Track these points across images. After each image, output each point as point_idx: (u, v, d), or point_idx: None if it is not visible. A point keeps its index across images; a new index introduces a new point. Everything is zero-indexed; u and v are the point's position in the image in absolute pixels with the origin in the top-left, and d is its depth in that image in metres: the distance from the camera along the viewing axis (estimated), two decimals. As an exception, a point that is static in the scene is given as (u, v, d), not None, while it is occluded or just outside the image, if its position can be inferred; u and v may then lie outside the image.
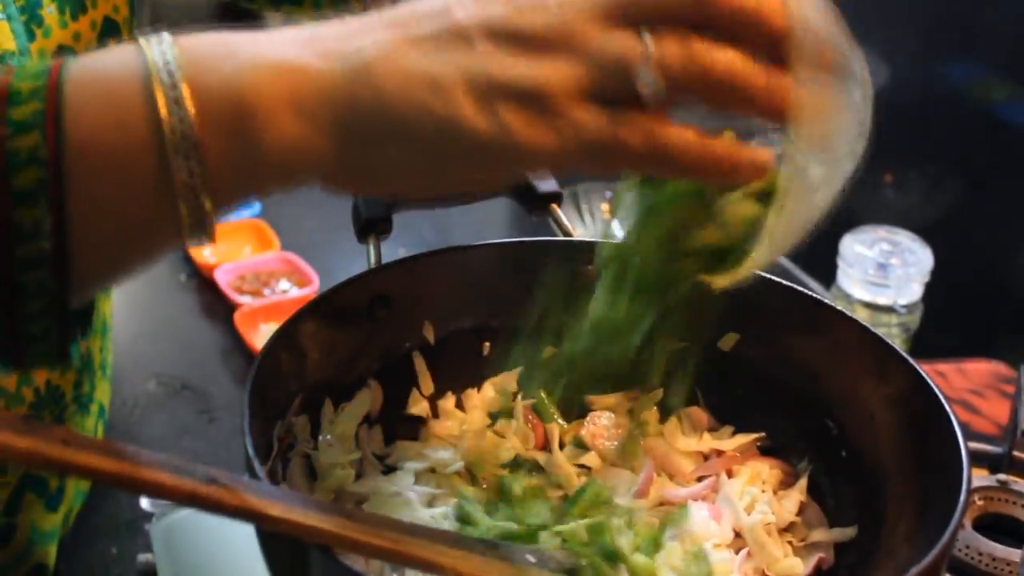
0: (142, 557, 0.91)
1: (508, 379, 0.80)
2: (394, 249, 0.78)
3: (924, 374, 0.67)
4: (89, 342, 0.88)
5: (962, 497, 0.57)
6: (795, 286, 0.75)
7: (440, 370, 0.79)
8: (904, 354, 0.69)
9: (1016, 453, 0.87)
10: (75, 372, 0.85)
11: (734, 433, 0.79)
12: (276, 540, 0.59)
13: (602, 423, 0.78)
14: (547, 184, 0.80)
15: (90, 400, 0.90)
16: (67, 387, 0.85)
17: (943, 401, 0.64)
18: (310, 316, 0.69)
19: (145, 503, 0.99)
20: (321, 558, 0.53)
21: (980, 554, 0.78)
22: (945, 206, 1.30)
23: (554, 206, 0.80)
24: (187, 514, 0.82)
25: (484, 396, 0.80)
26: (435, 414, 0.79)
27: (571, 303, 0.79)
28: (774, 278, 0.75)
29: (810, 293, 0.75)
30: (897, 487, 0.68)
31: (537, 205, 0.80)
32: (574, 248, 0.79)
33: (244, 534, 0.61)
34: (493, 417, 0.79)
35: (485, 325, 0.79)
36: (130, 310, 1.32)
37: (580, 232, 1.33)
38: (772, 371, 0.77)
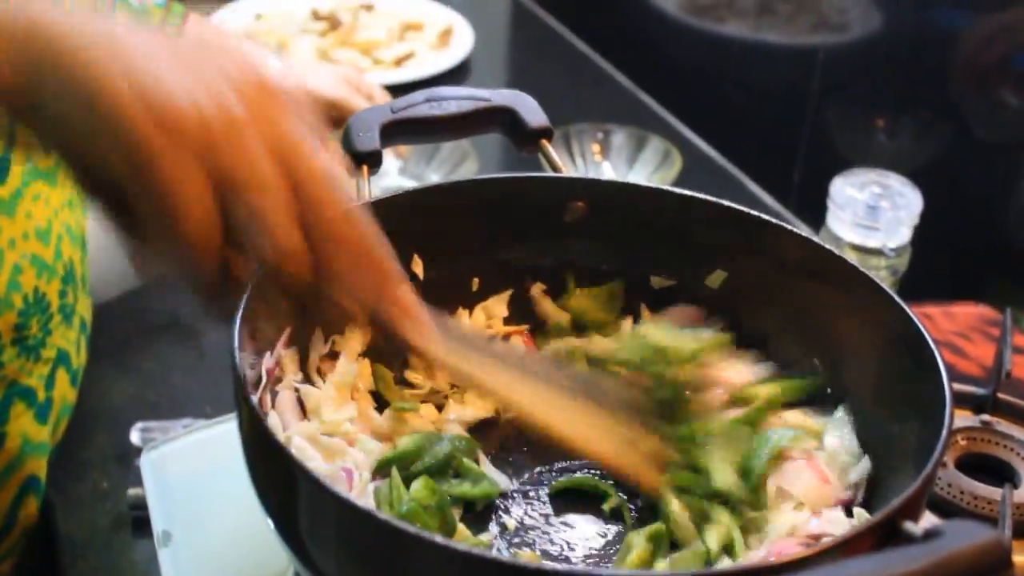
0: (132, 491, 0.92)
1: (498, 303, 0.80)
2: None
3: (910, 311, 0.67)
4: (71, 252, 0.89)
5: (944, 434, 0.58)
6: (785, 225, 0.75)
7: (430, 305, 0.79)
8: (890, 291, 0.69)
9: (1000, 394, 0.88)
10: (59, 280, 0.86)
11: None
12: (265, 472, 0.59)
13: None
14: (537, 119, 0.79)
15: (73, 312, 0.91)
16: (53, 295, 0.86)
17: (928, 339, 0.65)
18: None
19: (135, 437, 0.99)
20: (309, 488, 0.53)
21: (962, 492, 0.79)
22: (936, 151, 1.30)
23: (544, 142, 0.80)
24: (176, 447, 0.83)
25: (476, 320, 0.80)
26: None
27: (560, 239, 0.80)
28: (764, 217, 0.76)
29: (799, 232, 0.75)
30: (881, 424, 0.68)
31: (527, 141, 0.80)
32: (564, 184, 0.79)
33: (233, 467, 0.62)
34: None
35: (475, 261, 0.80)
36: (119, 246, 1.31)
37: (569, 169, 1.34)
38: (760, 308, 0.77)
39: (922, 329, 0.66)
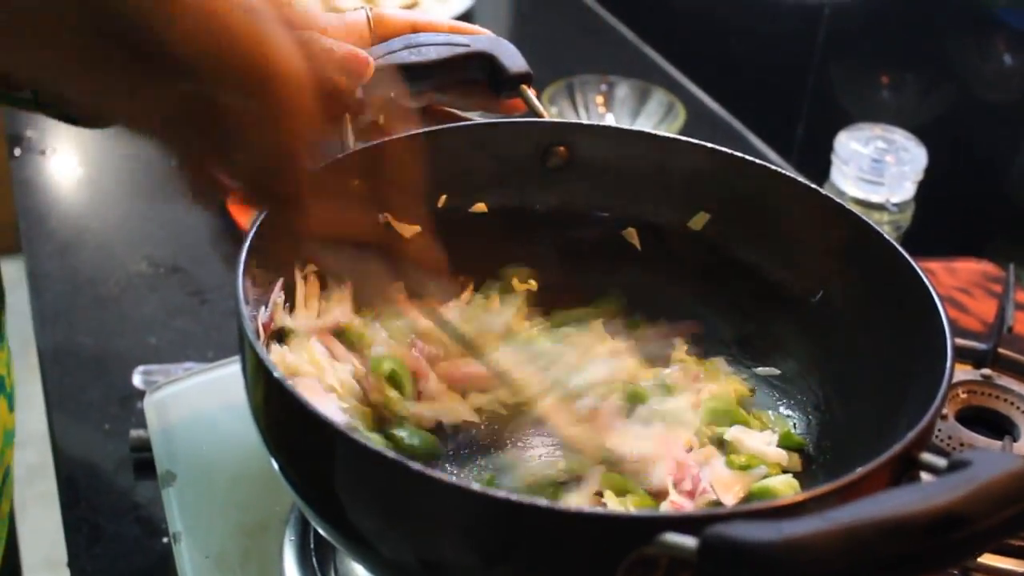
0: (134, 432, 0.92)
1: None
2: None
3: (905, 253, 0.67)
4: None
5: (945, 379, 0.57)
6: (767, 164, 0.74)
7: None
8: (886, 234, 0.69)
9: (1001, 349, 0.88)
10: None
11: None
12: (271, 414, 0.59)
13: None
14: (517, 65, 0.79)
15: (2, 328, 0.90)
16: None
17: (930, 289, 0.64)
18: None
19: (137, 381, 0.99)
20: (303, 420, 0.54)
21: (962, 444, 0.80)
22: (940, 107, 1.29)
23: (524, 87, 0.79)
24: (180, 389, 0.83)
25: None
26: None
27: (543, 183, 0.80)
28: (745, 156, 0.75)
29: (796, 177, 0.74)
30: (878, 372, 0.68)
31: (507, 86, 0.79)
32: (545, 129, 0.79)
33: (237, 408, 0.62)
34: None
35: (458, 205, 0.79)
36: (121, 191, 1.31)
37: (553, 113, 1.33)
38: (747, 249, 0.78)
39: (921, 275, 0.65)
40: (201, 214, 1.24)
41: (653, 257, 0.81)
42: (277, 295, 0.68)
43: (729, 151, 0.76)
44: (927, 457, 0.51)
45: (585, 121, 1.07)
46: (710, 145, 0.76)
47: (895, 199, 1.13)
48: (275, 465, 0.60)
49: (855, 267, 0.71)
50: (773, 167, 0.75)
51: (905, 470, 0.52)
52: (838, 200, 0.72)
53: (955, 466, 0.46)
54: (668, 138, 0.78)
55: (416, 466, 0.50)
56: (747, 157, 0.75)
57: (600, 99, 1.43)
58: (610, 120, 1.41)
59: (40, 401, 1.00)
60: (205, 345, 1.05)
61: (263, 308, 0.67)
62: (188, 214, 1.25)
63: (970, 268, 1.10)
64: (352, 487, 0.55)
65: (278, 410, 0.58)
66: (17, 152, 1.35)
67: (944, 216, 1.23)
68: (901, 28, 1.33)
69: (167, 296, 1.12)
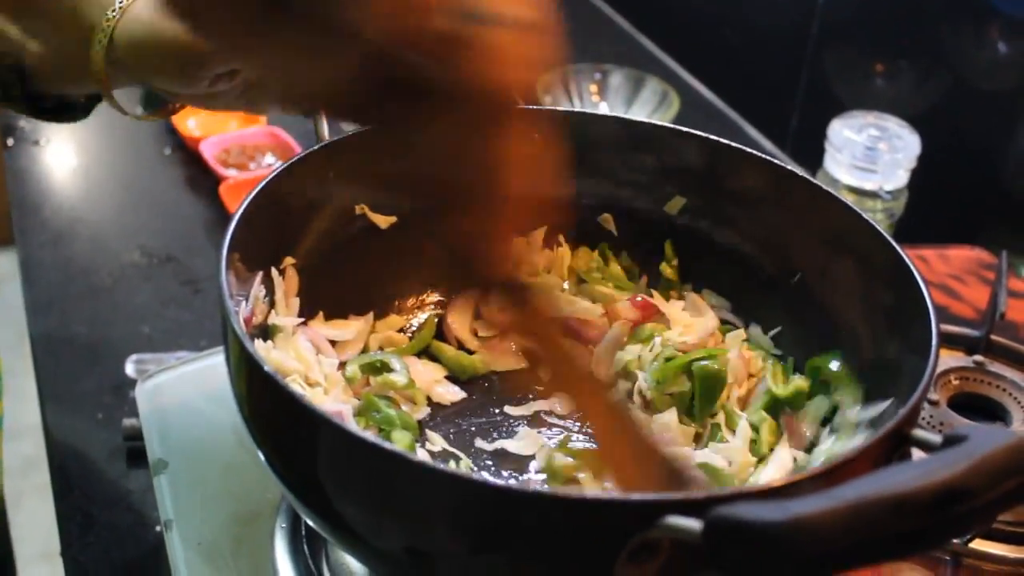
0: (127, 421, 0.92)
1: None
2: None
3: (888, 237, 0.66)
4: None
5: (930, 363, 0.57)
6: (742, 147, 0.74)
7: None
8: (872, 221, 0.68)
9: (993, 336, 0.88)
10: None
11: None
12: (255, 402, 0.59)
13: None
14: None
15: None
16: None
17: (910, 265, 0.64)
18: (263, 195, 0.67)
19: (129, 369, 0.99)
20: (287, 409, 0.54)
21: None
22: (934, 96, 1.29)
23: None
24: (171, 377, 0.83)
25: None
26: None
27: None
28: (720, 140, 0.75)
29: (778, 162, 0.74)
30: (867, 359, 0.68)
31: None
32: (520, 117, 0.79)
33: (227, 397, 0.62)
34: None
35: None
36: (114, 181, 1.31)
37: (547, 102, 1.33)
38: (726, 234, 0.78)
39: (908, 262, 0.65)
40: (195, 205, 1.24)
41: (630, 242, 0.81)
42: (257, 289, 0.68)
43: (701, 133, 0.75)
44: (920, 433, 0.51)
45: (558, 108, 1.06)
46: (683, 128, 0.76)
47: (888, 187, 1.13)
48: (261, 455, 0.60)
49: (834, 250, 0.71)
50: (747, 149, 0.74)
51: (897, 447, 0.52)
52: (828, 190, 0.72)
53: (951, 441, 0.46)
54: (639, 123, 0.77)
55: (408, 454, 0.50)
56: (721, 140, 0.75)
57: (594, 88, 1.43)
58: (604, 109, 1.41)
59: (36, 392, 1.00)
60: (198, 334, 1.06)
61: (244, 303, 0.67)
62: (182, 205, 1.25)
63: (963, 255, 1.10)
64: (337, 475, 0.55)
65: (262, 399, 0.58)
66: (10, 142, 1.35)
67: (938, 204, 1.23)
68: (895, 16, 1.33)
69: (160, 285, 1.12)
